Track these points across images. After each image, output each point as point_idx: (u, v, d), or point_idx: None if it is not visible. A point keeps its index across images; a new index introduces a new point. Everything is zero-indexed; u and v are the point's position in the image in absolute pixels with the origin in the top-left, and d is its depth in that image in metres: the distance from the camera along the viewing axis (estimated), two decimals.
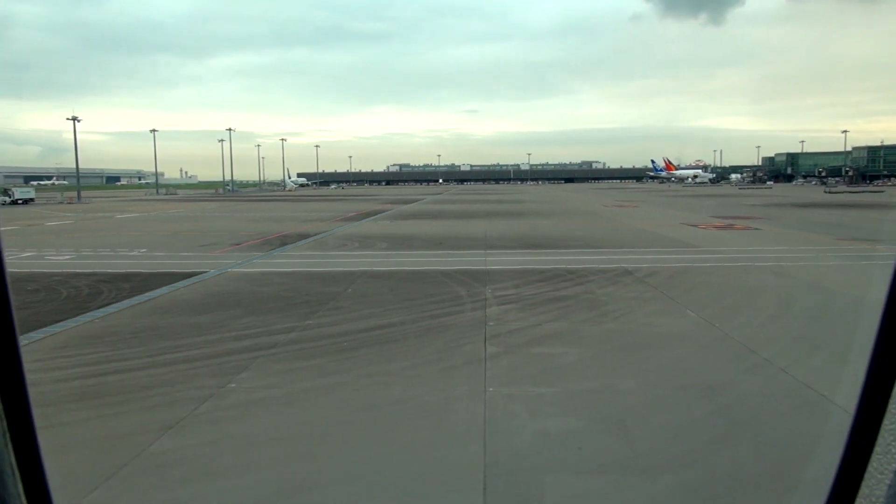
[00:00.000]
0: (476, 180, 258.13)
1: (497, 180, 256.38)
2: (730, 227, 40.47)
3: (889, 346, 1.42)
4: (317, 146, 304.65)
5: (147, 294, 18.29)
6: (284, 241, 33.47)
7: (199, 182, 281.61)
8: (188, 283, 20.19)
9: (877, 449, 1.43)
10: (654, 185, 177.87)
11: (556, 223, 45.18)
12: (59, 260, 25.51)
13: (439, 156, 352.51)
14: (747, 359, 11.57)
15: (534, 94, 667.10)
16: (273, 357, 11.89)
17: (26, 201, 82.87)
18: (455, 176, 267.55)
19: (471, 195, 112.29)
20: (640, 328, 14.07)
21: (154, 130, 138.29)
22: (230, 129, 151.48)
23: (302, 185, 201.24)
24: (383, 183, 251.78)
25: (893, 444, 1.39)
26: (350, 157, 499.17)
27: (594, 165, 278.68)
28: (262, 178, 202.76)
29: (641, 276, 20.92)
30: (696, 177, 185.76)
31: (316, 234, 36.60)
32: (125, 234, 38.55)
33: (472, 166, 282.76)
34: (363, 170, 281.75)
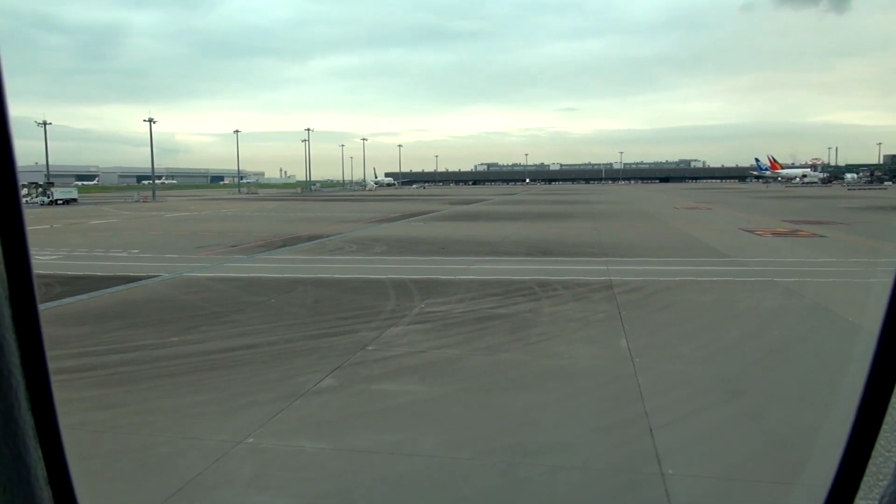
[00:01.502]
0: (565, 180, 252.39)
1: (587, 180, 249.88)
2: (793, 233, 36.23)
3: (891, 343, 1.38)
4: (399, 146, 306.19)
5: (67, 299, 17.30)
6: (288, 243, 32.32)
7: (288, 182, 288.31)
8: (122, 287, 19.12)
9: (877, 446, 1.38)
10: (757, 185, 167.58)
11: (600, 226, 41.96)
12: (39, 260, 25.18)
13: (527, 155, 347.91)
14: (623, 410, 8.98)
15: (634, 90, 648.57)
16: (66, 384, 10.29)
17: (67, 201, 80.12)
18: (544, 175, 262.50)
19: (544, 195, 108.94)
20: (538, 360, 11.60)
21: (237, 131, 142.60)
22: (308, 129, 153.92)
23: (388, 185, 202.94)
24: (470, 182, 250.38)
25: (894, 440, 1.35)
26: (436, 156, 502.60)
27: (692, 164, 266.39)
28: (344, 178, 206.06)
29: (620, 291, 18.17)
30: (804, 176, 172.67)
31: (329, 236, 35.29)
32: (147, 234, 38.67)
33: (561, 165, 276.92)
34: (456, 169, 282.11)
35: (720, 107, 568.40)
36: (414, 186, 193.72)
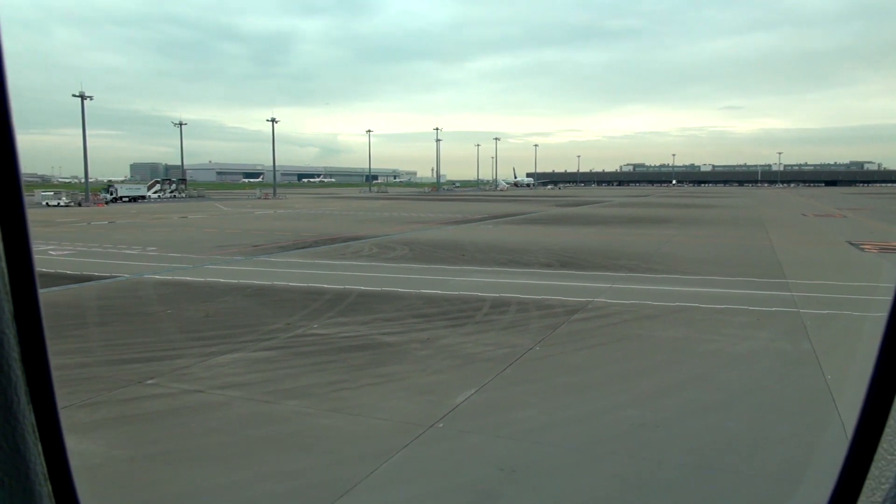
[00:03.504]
0: (717, 182, 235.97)
1: (741, 182, 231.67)
2: None
3: (894, 348, 1.36)
4: (535, 146, 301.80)
5: None
6: (319, 243, 30.92)
7: (435, 181, 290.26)
8: (57, 289, 18.32)
9: (880, 450, 1.36)
10: None
11: (681, 234, 37.03)
12: (42, 257, 25.32)
13: (674, 155, 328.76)
14: None
15: (806, 87, 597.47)
16: None
17: (134, 199, 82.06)
18: (693, 177, 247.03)
19: (673, 198, 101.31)
20: (312, 417, 8.95)
21: (369, 131, 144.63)
22: (437, 129, 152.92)
23: (527, 185, 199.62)
24: (615, 184, 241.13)
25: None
26: (578, 156, 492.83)
27: (866, 167, 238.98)
28: (478, 178, 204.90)
29: (580, 318, 15.03)
30: None
31: (369, 238, 33.49)
32: (201, 230, 38.95)
33: (714, 167, 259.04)
34: (601, 170, 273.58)
35: None
36: (549, 187, 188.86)
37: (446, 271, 22.00)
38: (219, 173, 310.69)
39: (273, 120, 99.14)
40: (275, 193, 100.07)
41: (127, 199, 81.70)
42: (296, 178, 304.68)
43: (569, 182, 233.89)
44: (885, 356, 1.35)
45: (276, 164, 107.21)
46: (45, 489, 1.32)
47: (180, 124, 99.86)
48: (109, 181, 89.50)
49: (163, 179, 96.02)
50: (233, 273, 21.52)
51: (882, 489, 1.33)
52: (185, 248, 28.95)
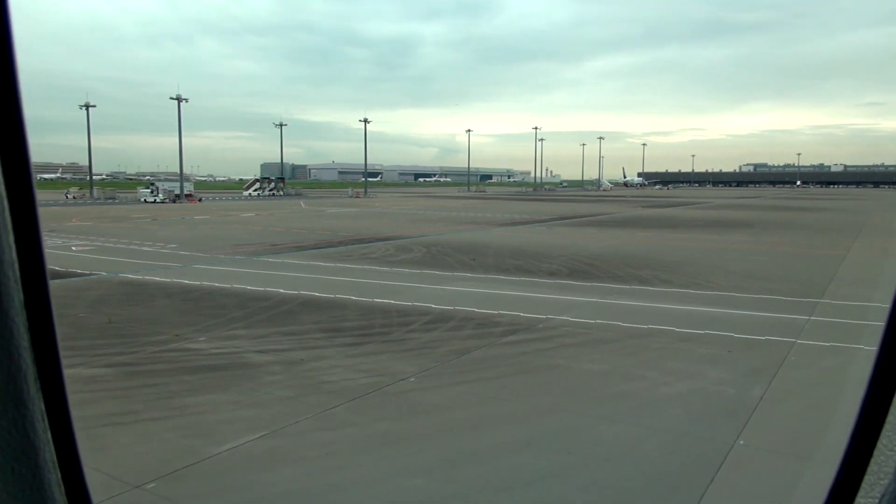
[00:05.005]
0: (848, 183, 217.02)
1: (877, 184, 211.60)
2: None
3: (894, 342, 1.34)
4: (643, 144, 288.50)
5: None
6: (343, 243, 29.93)
7: (552, 181, 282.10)
8: None
9: (879, 445, 1.35)
10: None
11: (743, 240, 33.14)
12: (62, 253, 25.61)
13: (799, 154, 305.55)
14: None
15: None
16: None
17: (179, 197, 75.90)
18: (820, 178, 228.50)
19: (780, 201, 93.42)
20: None
21: (469, 131, 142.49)
22: (536, 128, 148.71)
23: (640, 185, 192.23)
24: (732, 184, 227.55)
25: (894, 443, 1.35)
26: (693, 156, 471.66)
27: None
28: (583, 178, 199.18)
29: (513, 340, 13.00)
30: None
31: (396, 239, 32.08)
32: (251, 228, 38.83)
33: (845, 167, 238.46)
34: (717, 170, 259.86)
35: None
36: (657, 187, 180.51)
37: (432, 278, 20.11)
38: (340, 173, 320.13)
39: (365, 120, 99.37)
40: (366, 192, 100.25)
41: (168, 199, 76.33)
42: (412, 177, 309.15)
43: (683, 182, 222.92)
44: (885, 349, 1.34)
45: (395, 163, 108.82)
46: (53, 476, 1.29)
47: (280, 125, 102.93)
48: (150, 179, 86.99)
49: (262, 178, 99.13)
50: (210, 274, 20.64)
51: (881, 484, 1.34)
52: (204, 246, 28.60)
